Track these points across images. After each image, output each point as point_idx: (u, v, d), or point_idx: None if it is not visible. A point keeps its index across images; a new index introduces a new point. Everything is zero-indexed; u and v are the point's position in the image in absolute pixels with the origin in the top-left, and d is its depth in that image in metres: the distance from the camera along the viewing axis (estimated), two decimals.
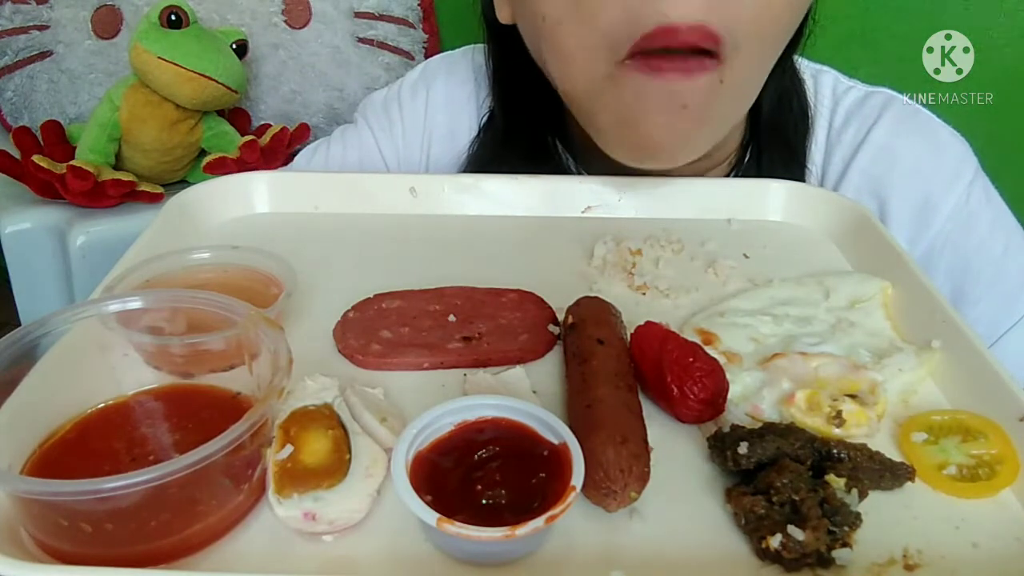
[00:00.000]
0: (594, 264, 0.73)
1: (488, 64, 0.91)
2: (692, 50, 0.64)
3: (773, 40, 0.70)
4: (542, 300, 0.66)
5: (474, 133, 0.94)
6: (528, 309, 0.64)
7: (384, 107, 0.99)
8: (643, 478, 0.45)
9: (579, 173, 0.90)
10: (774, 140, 0.87)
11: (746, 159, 0.88)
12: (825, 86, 0.90)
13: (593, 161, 0.89)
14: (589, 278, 0.71)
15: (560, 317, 0.62)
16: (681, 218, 0.81)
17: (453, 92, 0.96)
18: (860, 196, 0.85)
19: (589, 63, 0.68)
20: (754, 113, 0.83)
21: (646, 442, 0.47)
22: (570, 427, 0.47)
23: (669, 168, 0.74)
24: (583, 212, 0.82)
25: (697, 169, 0.86)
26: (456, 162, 0.95)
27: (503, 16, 0.79)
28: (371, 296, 0.65)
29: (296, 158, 1.02)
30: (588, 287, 0.69)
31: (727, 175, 0.89)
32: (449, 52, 1.01)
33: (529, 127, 0.89)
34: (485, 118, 0.94)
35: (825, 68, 0.92)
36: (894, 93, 0.91)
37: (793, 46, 0.78)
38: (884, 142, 0.86)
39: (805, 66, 0.90)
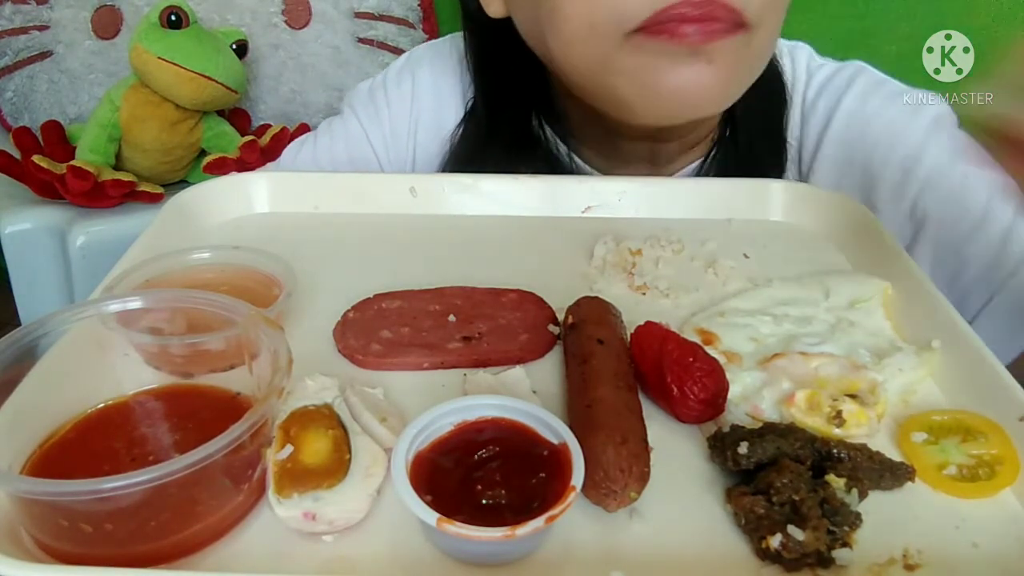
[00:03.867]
0: (594, 264, 0.73)
1: (467, 54, 0.91)
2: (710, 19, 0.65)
3: (784, 9, 0.72)
4: (542, 300, 0.66)
5: (460, 118, 0.94)
6: (528, 309, 0.64)
7: (370, 96, 0.99)
8: (643, 478, 0.45)
9: (568, 155, 0.90)
10: (753, 114, 0.87)
11: (727, 133, 0.88)
12: (800, 61, 0.92)
13: (582, 141, 0.89)
14: (589, 278, 0.71)
15: (560, 317, 0.62)
16: (681, 218, 0.81)
17: (439, 78, 0.96)
18: (837, 165, 0.86)
19: (598, 38, 0.68)
20: None
21: (646, 442, 0.47)
22: (570, 427, 0.47)
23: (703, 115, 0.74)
24: (583, 212, 0.82)
25: (683, 145, 0.87)
26: (444, 148, 0.95)
27: (494, 10, 0.79)
28: (371, 296, 0.65)
29: (283, 154, 1.02)
30: (588, 287, 0.69)
31: (710, 151, 0.89)
32: (434, 41, 1.01)
33: (514, 114, 0.89)
34: (470, 104, 0.94)
35: (800, 44, 0.93)
36: (864, 64, 0.91)
37: None
38: (854, 108, 0.87)
39: (782, 43, 0.91)
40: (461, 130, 0.93)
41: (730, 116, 0.88)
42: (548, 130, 0.89)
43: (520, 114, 0.88)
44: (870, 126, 0.86)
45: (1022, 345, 0.75)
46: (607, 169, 0.89)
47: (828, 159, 0.87)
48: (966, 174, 0.81)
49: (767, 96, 0.87)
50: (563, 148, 0.90)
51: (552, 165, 0.89)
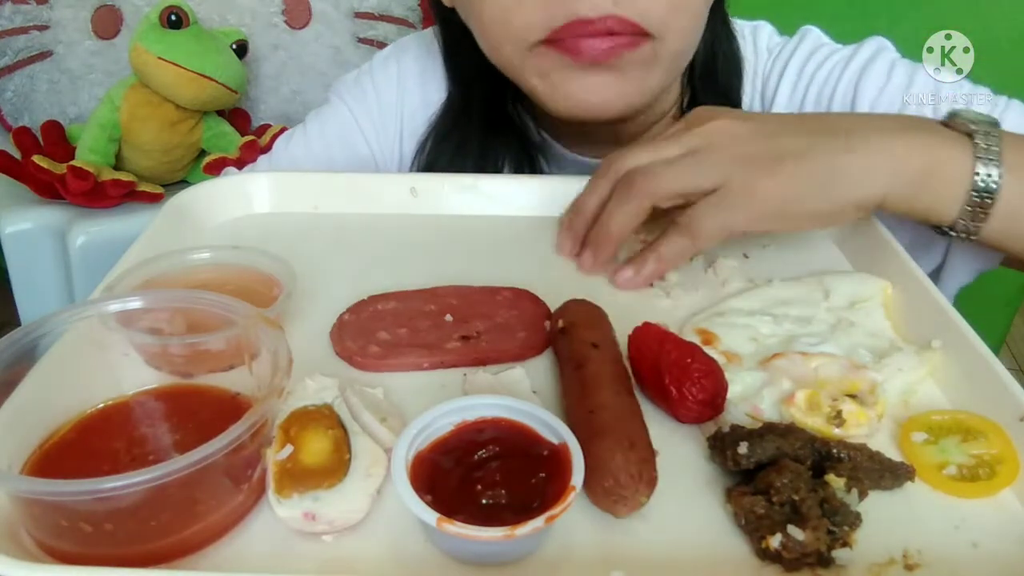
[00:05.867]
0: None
1: (439, 40, 0.94)
2: (610, 34, 0.69)
3: (698, 6, 0.75)
4: (536, 297, 0.66)
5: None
6: (524, 307, 0.64)
7: (357, 82, 1.00)
8: (652, 483, 0.45)
9: (539, 134, 0.92)
10: (710, 89, 0.89)
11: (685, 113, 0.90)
12: (761, 40, 0.94)
13: (550, 121, 0.90)
14: (587, 278, 0.71)
15: None
16: None
17: (424, 61, 0.98)
18: None
19: (511, 50, 0.74)
20: (691, 67, 0.87)
21: (651, 446, 0.47)
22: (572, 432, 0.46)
23: (611, 119, 0.78)
24: None
25: (643, 124, 0.89)
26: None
27: (446, 0, 0.83)
28: (365, 298, 0.65)
29: (274, 146, 1.02)
30: (587, 287, 0.69)
31: None
32: (419, 32, 1.04)
33: (485, 96, 0.91)
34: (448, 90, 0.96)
35: (761, 23, 0.95)
36: (812, 28, 0.93)
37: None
38: (796, 73, 0.89)
39: (744, 24, 0.93)
40: (441, 109, 0.95)
41: (691, 94, 0.90)
42: (521, 111, 0.91)
43: (491, 96, 0.90)
44: (811, 87, 0.88)
45: (996, 259, 0.77)
46: (577, 149, 0.91)
47: None
48: (904, 84, 0.83)
49: (726, 72, 0.90)
50: (534, 127, 0.92)
51: (525, 144, 0.91)
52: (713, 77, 0.88)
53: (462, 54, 0.90)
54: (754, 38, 0.93)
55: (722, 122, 0.66)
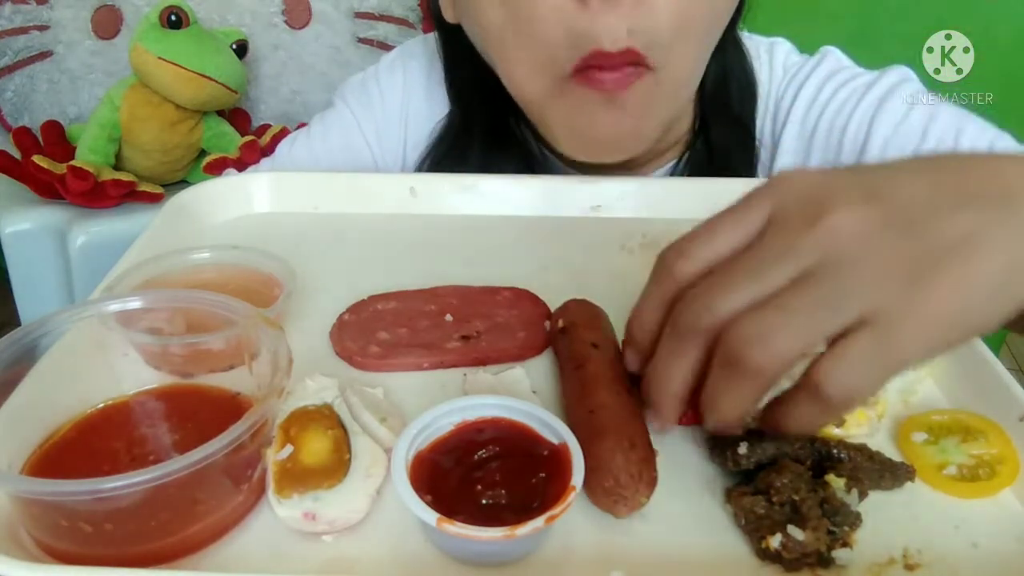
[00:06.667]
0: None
1: (439, 55, 0.92)
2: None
3: (704, 34, 0.73)
4: (536, 297, 0.66)
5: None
6: (524, 307, 0.65)
7: (362, 86, 0.99)
8: (652, 483, 0.45)
9: (540, 150, 0.91)
10: (721, 114, 0.87)
11: (697, 139, 0.88)
12: (777, 59, 0.91)
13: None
14: (587, 278, 0.71)
15: None
16: (684, 218, 0.80)
17: (430, 69, 0.97)
18: (796, 157, 0.85)
19: (534, 76, 0.73)
20: (701, 91, 0.85)
21: (651, 446, 0.47)
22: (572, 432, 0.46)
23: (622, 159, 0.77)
24: (592, 210, 0.82)
25: (654, 152, 0.87)
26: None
27: (448, 15, 0.81)
28: (365, 298, 0.65)
29: (277, 149, 1.01)
30: (586, 287, 0.69)
31: (682, 155, 0.89)
32: (425, 35, 1.02)
33: (486, 111, 0.89)
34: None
35: (779, 40, 0.93)
36: (832, 49, 0.90)
37: (734, 21, 0.79)
38: (811, 97, 0.86)
39: (759, 41, 0.91)
40: (442, 127, 0.94)
41: (702, 119, 0.88)
42: (524, 128, 0.90)
43: (492, 112, 0.89)
44: (825, 112, 0.85)
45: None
46: (581, 169, 0.89)
47: (788, 152, 0.87)
48: (924, 122, 0.79)
49: (739, 97, 0.88)
50: (535, 143, 0.90)
51: (528, 162, 0.90)
52: (725, 101, 0.86)
53: (464, 70, 0.88)
54: (770, 57, 0.90)
55: (839, 217, 0.41)
